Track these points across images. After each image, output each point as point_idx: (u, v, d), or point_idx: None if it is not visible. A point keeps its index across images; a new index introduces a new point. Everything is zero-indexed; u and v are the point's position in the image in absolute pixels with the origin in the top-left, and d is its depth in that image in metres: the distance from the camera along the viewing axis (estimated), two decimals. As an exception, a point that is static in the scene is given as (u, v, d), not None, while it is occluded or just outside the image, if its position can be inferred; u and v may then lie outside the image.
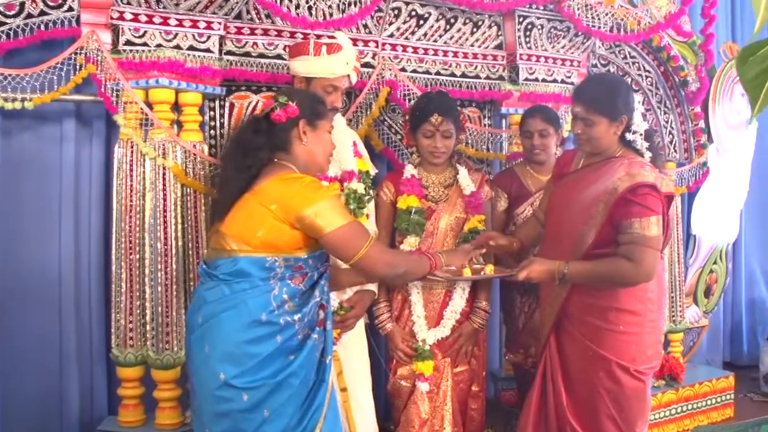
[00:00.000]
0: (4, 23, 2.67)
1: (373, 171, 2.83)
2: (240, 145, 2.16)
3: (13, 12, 2.68)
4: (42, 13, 2.72)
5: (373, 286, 2.72)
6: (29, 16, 2.71)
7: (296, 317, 2.07)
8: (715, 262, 4.56)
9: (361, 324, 2.75)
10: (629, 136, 2.51)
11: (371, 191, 2.79)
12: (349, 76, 2.61)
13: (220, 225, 2.11)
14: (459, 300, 2.90)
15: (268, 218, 2.04)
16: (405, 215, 2.85)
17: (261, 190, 2.07)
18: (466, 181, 2.95)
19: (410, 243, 2.84)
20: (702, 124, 4.21)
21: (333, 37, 2.65)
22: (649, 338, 2.50)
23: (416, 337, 2.85)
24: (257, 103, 3.00)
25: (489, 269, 2.68)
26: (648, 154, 2.52)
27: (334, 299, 2.57)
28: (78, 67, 2.70)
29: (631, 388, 2.45)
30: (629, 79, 4.03)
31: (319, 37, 2.81)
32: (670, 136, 4.21)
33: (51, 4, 2.73)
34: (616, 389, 2.45)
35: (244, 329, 2.01)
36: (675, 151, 4.23)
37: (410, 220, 2.83)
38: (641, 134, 2.52)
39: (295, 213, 2.03)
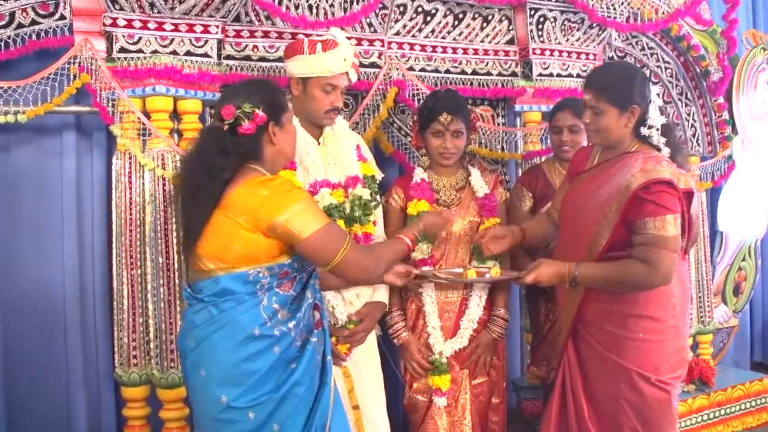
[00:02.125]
0: (-5, 34, 2.60)
1: (379, 175, 2.70)
2: (205, 168, 1.97)
3: (3, 22, 2.59)
4: (33, 22, 2.63)
5: (383, 297, 2.60)
6: (20, 26, 2.62)
7: (291, 324, 1.96)
8: (743, 259, 4.42)
9: (372, 337, 2.62)
10: (644, 131, 2.35)
11: (378, 197, 2.66)
12: (347, 73, 2.49)
13: (195, 246, 1.98)
14: (476, 308, 2.77)
15: (239, 231, 1.91)
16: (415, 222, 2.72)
17: (228, 203, 1.93)
18: (479, 182, 2.82)
19: (422, 250, 2.72)
20: (726, 115, 4.07)
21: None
22: (672, 345, 2.34)
23: (432, 349, 2.72)
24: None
25: (495, 272, 2.55)
26: (666, 150, 2.37)
27: (342, 312, 2.46)
28: (72, 77, 2.61)
29: (654, 398, 2.30)
30: (648, 71, 3.88)
31: (320, 36, 2.70)
32: (693, 129, 4.06)
33: (42, 12, 2.64)
34: (639, 401, 2.30)
35: (238, 347, 1.91)
36: (698, 144, 4.08)
37: None
38: (658, 129, 2.36)
39: (265, 222, 1.90)
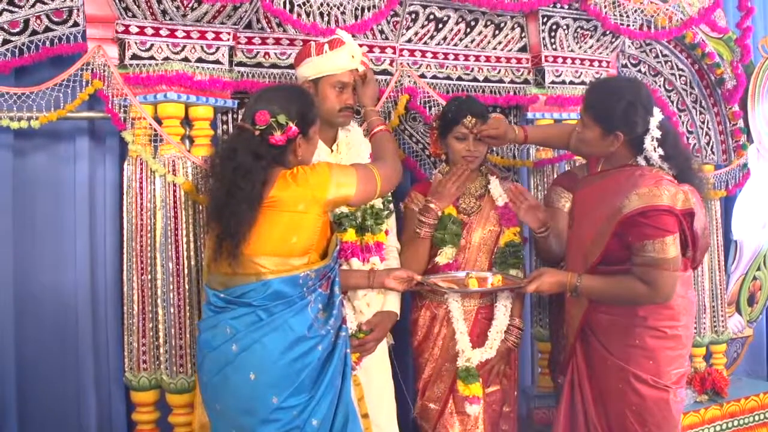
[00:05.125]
0: (9, 41, 2.60)
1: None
2: (243, 170, 2.05)
3: (17, 29, 2.60)
4: (47, 29, 2.64)
5: (394, 307, 2.58)
6: (34, 33, 2.63)
7: (331, 322, 2.12)
8: (758, 269, 4.36)
9: (383, 346, 2.61)
10: (641, 161, 2.36)
11: (390, 205, 2.65)
12: (357, 70, 2.52)
13: (241, 248, 2.04)
14: (503, 318, 2.74)
15: (300, 220, 2.06)
16: (441, 225, 2.68)
17: (276, 201, 2.06)
18: (498, 191, 2.81)
19: (447, 254, 2.69)
20: (741, 123, 4.02)
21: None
22: (672, 354, 2.38)
23: (460, 356, 2.68)
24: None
25: (497, 280, 2.54)
26: (672, 171, 2.36)
27: (352, 321, 2.46)
28: (85, 83, 2.62)
29: (653, 399, 2.33)
30: (662, 79, 3.86)
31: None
32: (707, 137, 4.02)
33: (56, 19, 2.65)
34: (638, 402, 2.34)
35: (289, 348, 2.01)
36: (712, 152, 4.03)
37: (447, 230, 2.67)
38: (654, 159, 2.34)
39: (323, 200, 2.10)
